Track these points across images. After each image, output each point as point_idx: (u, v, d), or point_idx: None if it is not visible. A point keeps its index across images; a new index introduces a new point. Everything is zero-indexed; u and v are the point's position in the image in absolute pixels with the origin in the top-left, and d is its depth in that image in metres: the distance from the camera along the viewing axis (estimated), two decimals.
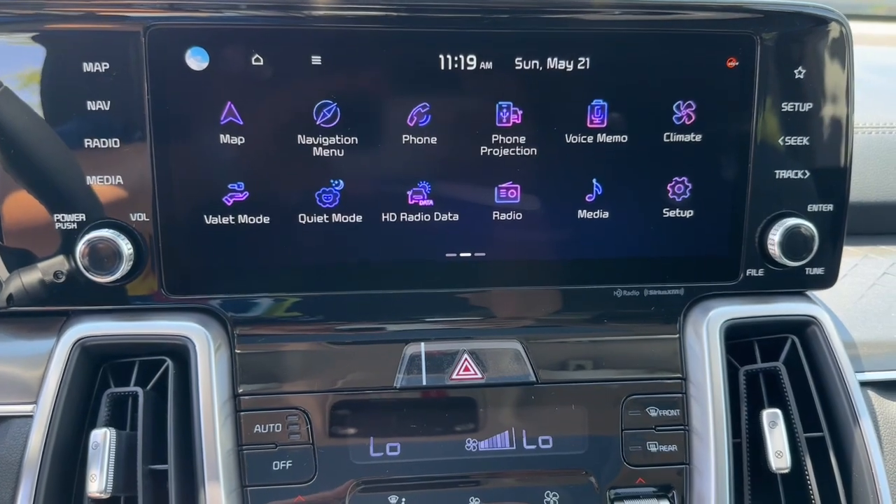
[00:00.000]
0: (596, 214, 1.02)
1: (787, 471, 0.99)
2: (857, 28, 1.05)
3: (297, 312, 1.00)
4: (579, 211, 1.01)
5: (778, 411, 1.01)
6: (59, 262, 0.96)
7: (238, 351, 0.99)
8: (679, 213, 1.03)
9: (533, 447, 1.01)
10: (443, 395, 1.01)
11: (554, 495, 0.99)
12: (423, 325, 1.03)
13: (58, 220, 0.95)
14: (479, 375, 1.02)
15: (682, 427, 1.02)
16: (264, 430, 0.97)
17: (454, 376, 1.01)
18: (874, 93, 1.54)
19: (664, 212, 1.02)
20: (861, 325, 1.13)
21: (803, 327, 1.07)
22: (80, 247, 0.94)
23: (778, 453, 0.99)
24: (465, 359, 1.02)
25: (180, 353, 0.98)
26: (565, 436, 1.01)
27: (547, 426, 1.01)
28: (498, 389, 1.02)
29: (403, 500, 0.97)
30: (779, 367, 1.05)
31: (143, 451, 0.93)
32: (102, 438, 0.90)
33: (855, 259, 1.27)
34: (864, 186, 1.34)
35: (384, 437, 0.99)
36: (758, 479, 1.03)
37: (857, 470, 1.02)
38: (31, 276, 0.97)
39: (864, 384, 1.07)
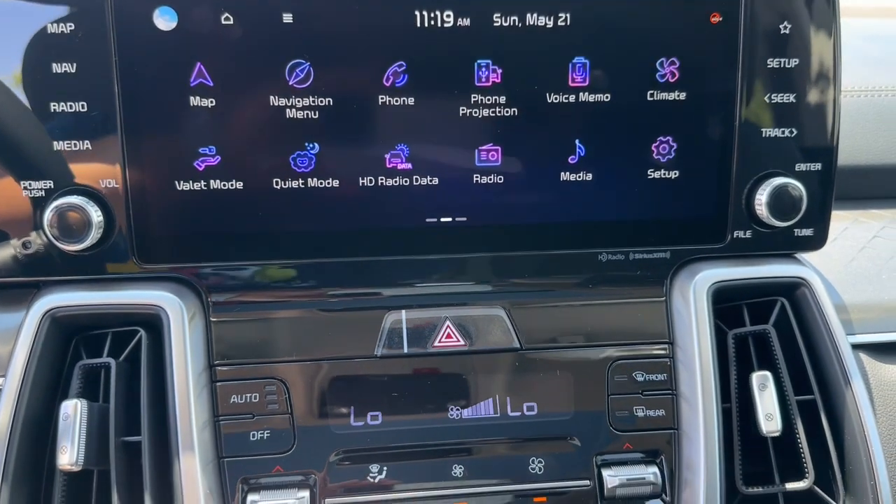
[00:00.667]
0: (579, 176, 0.99)
1: (777, 434, 0.97)
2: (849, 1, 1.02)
3: (274, 280, 0.98)
4: (562, 173, 0.99)
5: (768, 374, 0.99)
6: (27, 231, 0.94)
7: (213, 319, 0.96)
8: (664, 174, 1.00)
9: (518, 414, 0.98)
10: (425, 362, 0.99)
11: (539, 462, 0.97)
12: (404, 293, 1.00)
13: (25, 188, 0.92)
14: (462, 343, 0.99)
15: (669, 392, 1.00)
16: (241, 400, 0.94)
17: (436, 344, 0.99)
18: (867, 61, 1.52)
19: (649, 173, 1.00)
20: (852, 288, 1.11)
21: (793, 289, 1.05)
22: (49, 214, 0.91)
23: (768, 416, 0.97)
24: (448, 326, 1.00)
25: (153, 323, 0.95)
26: (551, 402, 0.99)
27: (532, 393, 0.99)
28: (481, 356, 1.00)
29: (385, 469, 0.95)
30: (768, 330, 1.02)
31: (115, 423, 0.90)
32: (73, 410, 0.88)
33: (845, 223, 1.24)
34: (855, 150, 1.32)
35: (365, 406, 0.97)
36: (748, 444, 1.01)
37: (849, 433, 1.00)
38: None
39: (855, 347, 1.06)
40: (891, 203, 1.34)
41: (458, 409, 0.98)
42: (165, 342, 0.93)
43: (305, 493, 0.92)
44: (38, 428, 0.91)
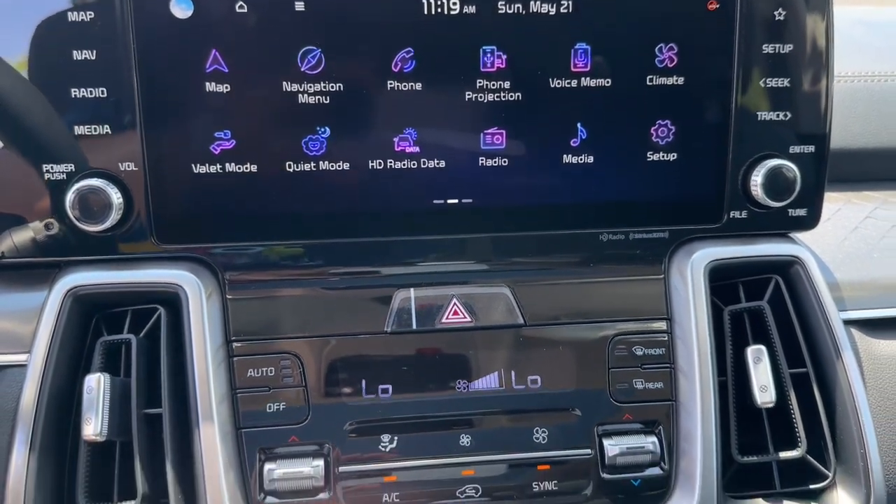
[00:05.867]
0: (581, 159, 1.03)
1: (771, 405, 1.01)
2: None
3: (288, 260, 1.01)
4: (564, 155, 1.02)
5: (762, 347, 1.03)
6: (49, 214, 0.97)
7: (229, 297, 1.00)
8: (663, 157, 1.04)
9: (522, 387, 1.02)
10: (433, 338, 1.02)
11: (543, 432, 1.01)
12: (413, 272, 1.04)
13: (46, 171, 0.96)
14: (469, 319, 1.03)
15: (667, 365, 1.04)
16: (257, 374, 0.98)
17: (443, 321, 1.03)
18: (862, 48, 1.55)
19: (648, 155, 1.04)
20: (844, 267, 1.14)
21: (787, 267, 1.09)
22: (70, 197, 0.95)
23: (763, 388, 1.01)
24: (455, 303, 1.03)
25: (172, 301, 0.99)
26: (553, 376, 1.03)
27: (535, 367, 1.03)
28: (487, 332, 1.03)
29: (396, 439, 0.99)
30: (763, 306, 1.06)
31: (137, 395, 0.94)
32: (97, 383, 0.92)
33: (837, 204, 1.28)
34: (848, 133, 1.36)
35: (376, 380, 1.00)
36: (743, 416, 1.05)
37: (840, 404, 1.04)
38: (21, 229, 0.98)
39: (847, 322, 1.09)
40: (883, 185, 1.37)
41: (464, 383, 1.02)
42: (184, 319, 0.97)
43: (320, 462, 0.96)
44: (62, 401, 0.95)
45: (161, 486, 0.93)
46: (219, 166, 0.97)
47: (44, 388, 0.93)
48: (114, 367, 0.97)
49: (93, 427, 0.90)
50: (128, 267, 0.99)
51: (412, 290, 1.03)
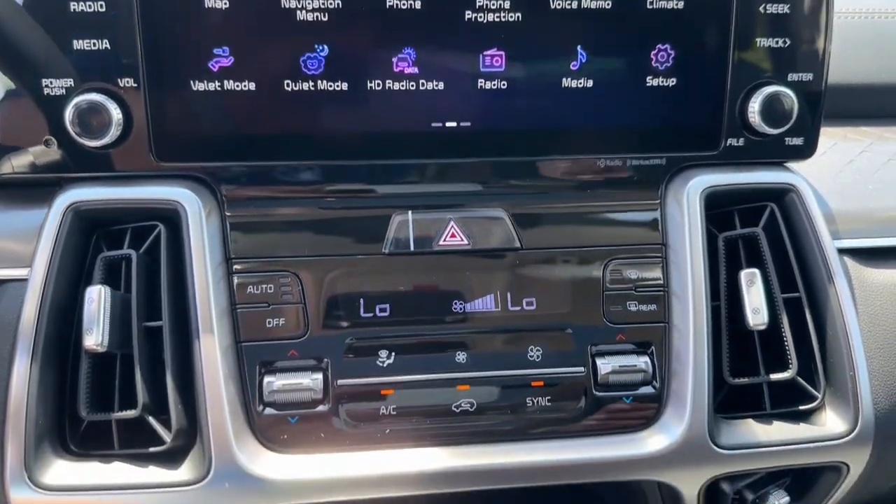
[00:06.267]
0: (580, 83, 1.03)
1: (763, 327, 1.03)
2: None
3: (286, 180, 1.02)
4: (564, 79, 1.02)
5: (756, 271, 1.04)
6: (48, 130, 0.97)
7: (228, 215, 1.00)
8: (662, 82, 1.04)
9: (517, 309, 1.04)
10: (430, 260, 1.03)
11: (537, 350, 1.02)
12: (411, 194, 1.04)
13: (45, 86, 0.96)
14: (466, 242, 1.04)
15: (661, 289, 1.05)
16: (257, 291, 0.99)
17: (441, 243, 1.04)
18: None
19: (647, 80, 1.04)
20: (839, 197, 1.15)
21: (782, 195, 1.10)
22: (69, 112, 0.95)
23: (755, 310, 1.02)
24: (452, 227, 1.04)
25: (171, 218, 1.00)
26: (548, 298, 1.04)
27: (531, 289, 1.04)
28: (483, 255, 1.04)
29: (393, 355, 1.00)
30: (757, 233, 1.07)
31: (137, 309, 0.96)
32: (98, 294, 0.93)
33: (834, 139, 1.28)
34: (847, 69, 1.35)
35: (373, 299, 1.02)
36: (735, 342, 1.06)
37: (831, 328, 1.06)
38: (20, 146, 0.98)
39: (840, 251, 1.11)
40: (880, 121, 1.38)
41: (461, 304, 1.03)
42: (184, 235, 0.98)
43: (319, 376, 0.97)
44: (63, 315, 0.96)
45: (161, 398, 0.95)
46: (217, 84, 0.97)
47: (45, 300, 0.95)
48: (114, 283, 0.98)
49: (94, 337, 0.92)
50: (127, 184, 1.00)
51: (410, 212, 1.04)
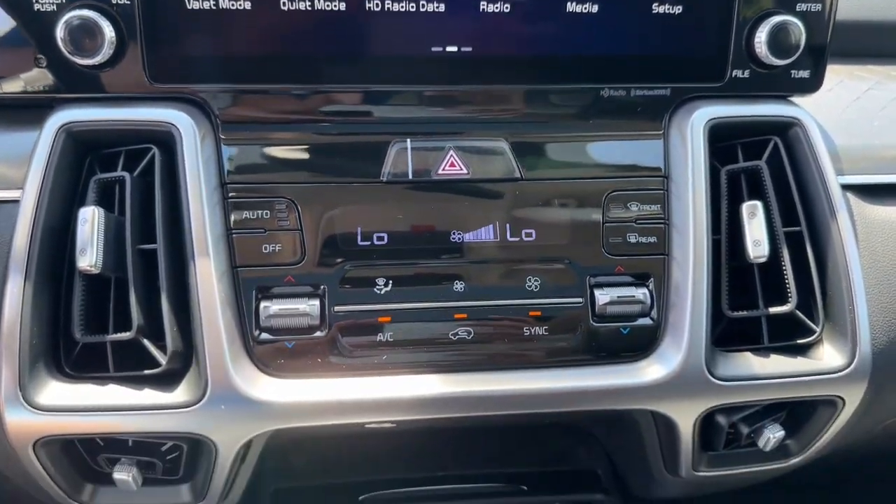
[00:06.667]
0: (585, 7, 1.00)
1: (763, 259, 1.02)
2: None
3: (282, 104, 1.00)
4: (568, 3, 1.00)
5: (758, 203, 1.03)
6: (39, 48, 0.95)
7: (223, 138, 0.99)
8: (668, 9, 1.02)
9: (516, 239, 1.02)
10: (429, 188, 1.02)
11: (536, 281, 1.01)
12: (409, 121, 1.03)
13: (36, 1, 0.93)
14: (465, 171, 1.02)
15: (662, 221, 1.04)
16: (252, 216, 0.98)
17: (440, 171, 1.02)
18: None
19: (653, 7, 1.01)
20: (843, 133, 1.13)
21: (786, 129, 1.08)
22: (60, 28, 0.93)
23: (756, 242, 1.01)
24: (451, 155, 1.03)
25: (165, 141, 0.98)
26: (548, 229, 1.03)
27: (530, 220, 1.03)
28: (483, 185, 1.03)
29: (391, 283, 0.99)
30: (760, 166, 1.06)
31: (131, 231, 0.94)
32: (91, 215, 0.91)
33: (840, 76, 1.27)
34: (854, 5, 1.33)
35: (371, 227, 1.00)
36: (735, 277, 1.06)
37: (832, 263, 1.05)
38: (10, 66, 0.96)
39: (844, 187, 1.09)
40: (887, 60, 1.36)
41: (459, 234, 1.02)
42: (178, 158, 0.96)
43: (315, 302, 0.96)
44: (56, 235, 0.95)
45: (156, 321, 0.94)
46: (212, 2, 0.94)
47: (37, 221, 0.93)
48: (108, 207, 0.96)
49: (88, 258, 0.90)
50: (121, 105, 0.98)
51: (408, 140, 1.02)
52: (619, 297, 1.01)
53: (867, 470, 1.61)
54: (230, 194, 0.98)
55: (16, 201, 0.95)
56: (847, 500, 1.90)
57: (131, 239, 0.94)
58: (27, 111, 1.00)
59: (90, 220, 0.91)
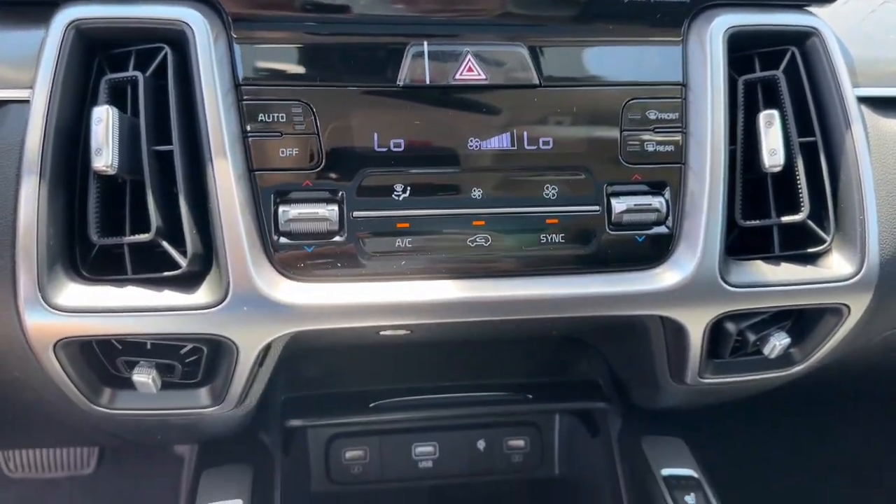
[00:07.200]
0: None
1: (779, 168, 1.02)
2: None
3: (297, 3, 0.97)
4: None
5: (775, 112, 1.03)
6: None
7: (235, 36, 0.96)
8: None
9: (534, 147, 1.02)
10: (446, 94, 1.01)
11: (553, 188, 1.01)
12: (427, 22, 1.00)
13: None
14: (483, 77, 1.01)
15: (679, 129, 1.04)
16: (269, 119, 0.96)
17: (457, 77, 1.00)
18: None
19: None
20: (860, 46, 1.12)
21: (804, 39, 1.08)
22: None
23: (772, 151, 1.02)
24: (469, 59, 1.01)
25: (177, 41, 0.95)
26: (566, 137, 1.02)
27: (548, 128, 1.02)
28: (501, 92, 1.01)
29: (409, 189, 0.99)
30: (777, 76, 1.05)
31: (146, 133, 0.93)
32: (105, 114, 0.89)
33: None
34: None
35: (388, 133, 0.99)
36: (748, 187, 1.06)
37: (845, 173, 1.06)
38: None
39: (859, 99, 1.09)
40: None
41: (476, 141, 1.01)
42: (191, 57, 0.93)
43: (334, 207, 0.96)
44: (69, 136, 0.93)
45: (174, 224, 0.93)
46: None
47: (49, 121, 0.91)
48: (120, 109, 0.94)
49: (104, 158, 0.89)
50: (130, 3, 0.95)
51: (425, 43, 1.00)
52: (635, 205, 1.01)
53: (859, 385, 1.67)
54: (244, 97, 0.96)
55: (26, 101, 0.93)
56: (836, 420, 1.97)
57: (146, 140, 0.93)
58: (32, 9, 0.97)
59: (105, 120, 0.89)
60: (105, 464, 1.99)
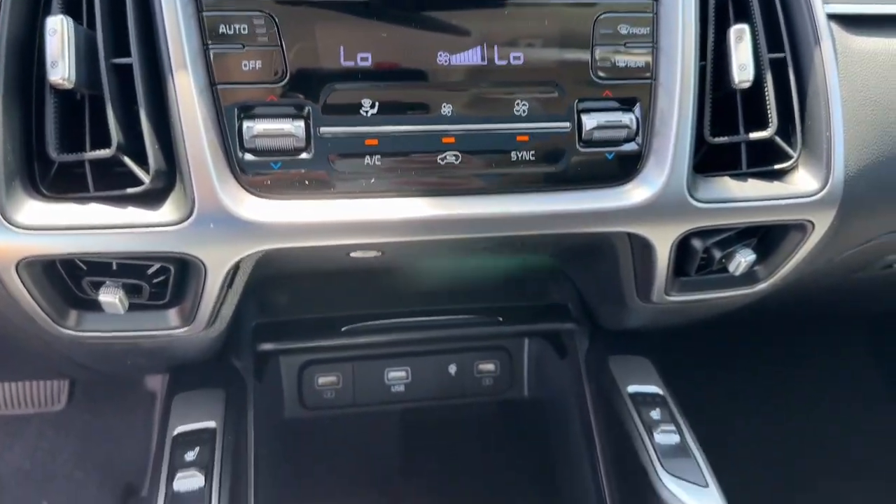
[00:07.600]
0: None
1: (748, 84, 1.02)
2: None
3: None
4: None
5: (745, 27, 1.02)
6: None
7: None
8: None
9: (504, 62, 1.00)
10: (415, 7, 0.98)
11: (523, 105, 1.00)
12: None
13: None
14: None
15: (650, 44, 1.03)
16: (230, 31, 0.93)
17: None
18: None
19: None
20: None
21: None
22: None
23: (742, 66, 1.01)
24: None
25: None
26: (537, 53, 1.01)
27: (518, 42, 1.00)
28: (471, 4, 0.99)
29: (377, 104, 0.97)
30: None
31: (104, 45, 0.89)
32: (60, 24, 0.86)
33: None
34: None
35: (355, 47, 0.96)
36: (718, 102, 1.06)
37: (812, 90, 1.06)
38: None
39: (829, 16, 1.09)
40: None
41: (446, 55, 0.99)
42: None
43: (300, 123, 0.94)
44: (22, 48, 0.90)
45: (135, 140, 0.91)
46: None
47: (0, 32, 0.87)
48: (76, 19, 0.90)
49: (60, 71, 0.86)
50: None
51: None
52: (606, 122, 1.01)
53: (820, 307, 1.71)
54: (205, 8, 0.93)
55: None
56: (797, 344, 2.03)
57: (104, 52, 0.89)
58: None
59: (59, 31, 0.86)
60: (76, 400, 1.99)
